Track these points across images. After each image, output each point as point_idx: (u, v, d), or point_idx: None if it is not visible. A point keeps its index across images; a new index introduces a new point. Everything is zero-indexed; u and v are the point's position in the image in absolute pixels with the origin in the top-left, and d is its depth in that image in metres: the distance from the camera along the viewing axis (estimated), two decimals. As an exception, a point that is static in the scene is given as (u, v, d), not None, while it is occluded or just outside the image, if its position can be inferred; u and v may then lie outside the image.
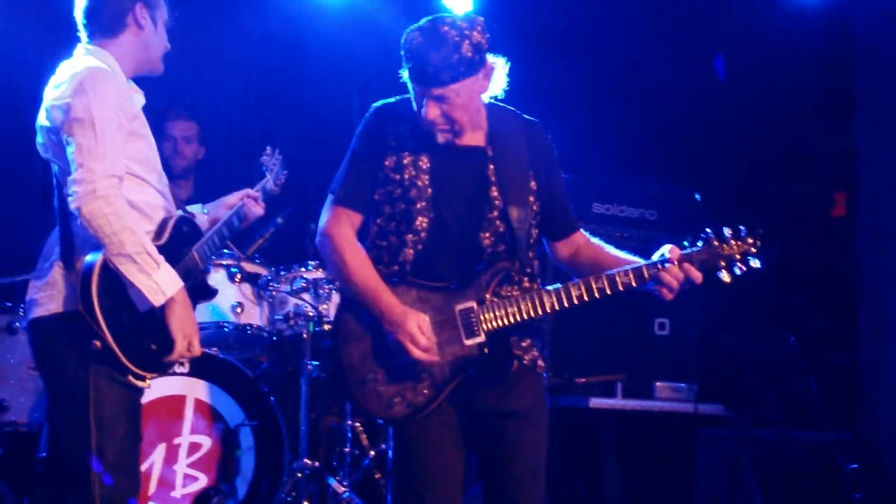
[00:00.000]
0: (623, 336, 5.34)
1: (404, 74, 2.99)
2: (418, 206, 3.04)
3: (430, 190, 3.05)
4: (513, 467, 3.05)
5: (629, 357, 5.33)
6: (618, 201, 5.45)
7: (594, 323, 5.28)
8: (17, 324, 4.67)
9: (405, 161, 3.07)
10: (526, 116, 3.21)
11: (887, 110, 5.80)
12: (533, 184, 3.12)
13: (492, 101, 3.13)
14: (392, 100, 3.17)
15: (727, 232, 3.01)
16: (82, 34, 3.19)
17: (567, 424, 5.25)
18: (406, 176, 3.05)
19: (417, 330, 2.94)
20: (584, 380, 5.22)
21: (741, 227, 3.02)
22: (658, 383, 5.32)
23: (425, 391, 2.99)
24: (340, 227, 3.09)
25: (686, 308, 5.44)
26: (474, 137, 3.09)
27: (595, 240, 3.26)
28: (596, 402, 5.19)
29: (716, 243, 3.01)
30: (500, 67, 3.04)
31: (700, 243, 3.02)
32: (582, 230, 3.28)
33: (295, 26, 6.36)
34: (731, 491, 5.08)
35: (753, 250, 3.01)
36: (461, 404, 3.05)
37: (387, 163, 3.07)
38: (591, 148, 5.71)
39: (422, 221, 3.04)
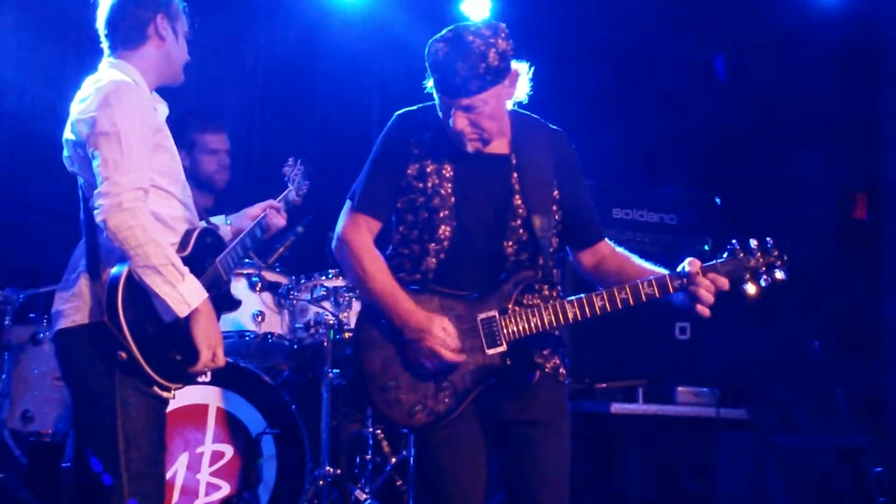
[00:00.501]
0: (644, 341, 5.33)
1: (429, 84, 2.99)
2: (441, 214, 3.04)
3: (453, 198, 3.05)
4: (536, 475, 3.05)
5: (650, 362, 5.32)
6: (637, 206, 5.44)
7: (615, 328, 5.25)
8: (42, 335, 4.70)
9: (428, 169, 3.07)
10: (551, 126, 3.21)
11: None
12: (556, 192, 3.11)
13: (516, 109, 3.14)
14: (414, 108, 3.17)
15: (753, 244, 3.01)
16: (104, 46, 3.21)
17: (588, 430, 5.23)
18: (429, 184, 3.05)
19: (443, 333, 2.94)
20: (605, 385, 5.22)
21: (767, 240, 3.02)
22: (680, 388, 5.30)
23: (447, 399, 2.99)
24: (358, 233, 3.09)
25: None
26: (498, 145, 3.09)
27: (620, 249, 3.25)
28: (617, 407, 5.18)
29: (741, 255, 3.00)
30: (524, 73, 3.04)
31: (725, 254, 3.02)
32: (607, 240, 3.26)
33: (313, 35, 6.39)
34: (755, 496, 5.06)
35: (779, 263, 3.00)
36: (483, 412, 3.05)
37: (409, 171, 3.07)
38: (610, 154, 5.70)
39: (444, 230, 3.04)
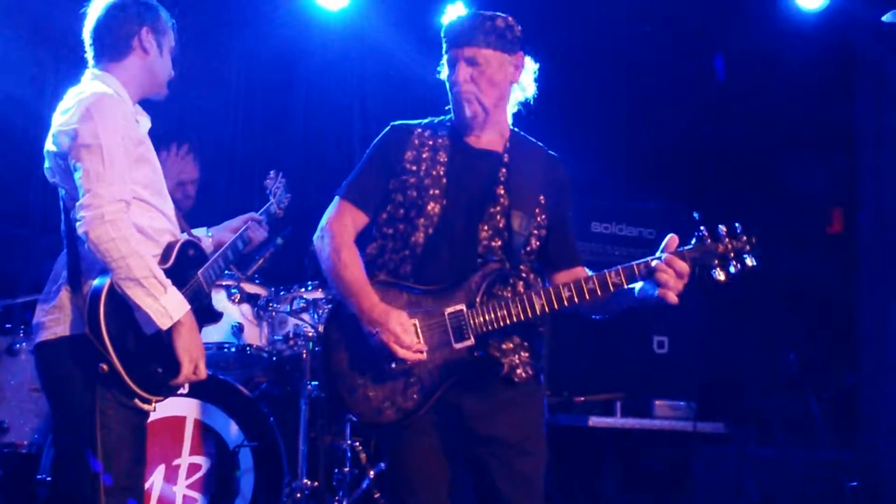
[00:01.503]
0: (622, 354, 5.36)
1: (442, 70, 3.14)
2: (432, 192, 3.09)
3: (444, 179, 3.10)
4: (503, 498, 3.03)
5: (628, 375, 5.35)
6: (616, 220, 5.49)
7: (593, 341, 5.30)
8: (18, 345, 4.65)
9: (424, 154, 3.14)
10: (550, 151, 3.28)
11: (888, 127, 5.84)
12: (542, 198, 3.14)
13: (516, 130, 3.23)
14: (411, 121, 3.25)
15: (722, 229, 2.97)
16: (89, 56, 3.21)
17: (566, 443, 5.25)
18: (423, 166, 3.12)
19: (400, 328, 2.94)
20: (583, 398, 5.24)
21: (736, 225, 2.98)
22: (657, 401, 5.33)
23: (415, 395, 2.99)
24: (342, 223, 3.13)
25: (684, 326, 5.46)
26: (493, 143, 3.17)
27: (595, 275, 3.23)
28: (595, 420, 5.20)
29: (709, 241, 2.96)
30: (530, 67, 3.18)
31: (693, 241, 2.97)
32: (585, 268, 3.23)
33: (294, 45, 6.38)
34: (732, 509, 5.09)
35: (748, 248, 2.95)
36: (450, 413, 3.04)
37: (407, 155, 3.14)
38: (590, 168, 5.72)
39: (434, 206, 3.08)
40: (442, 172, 3.11)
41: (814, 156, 6.15)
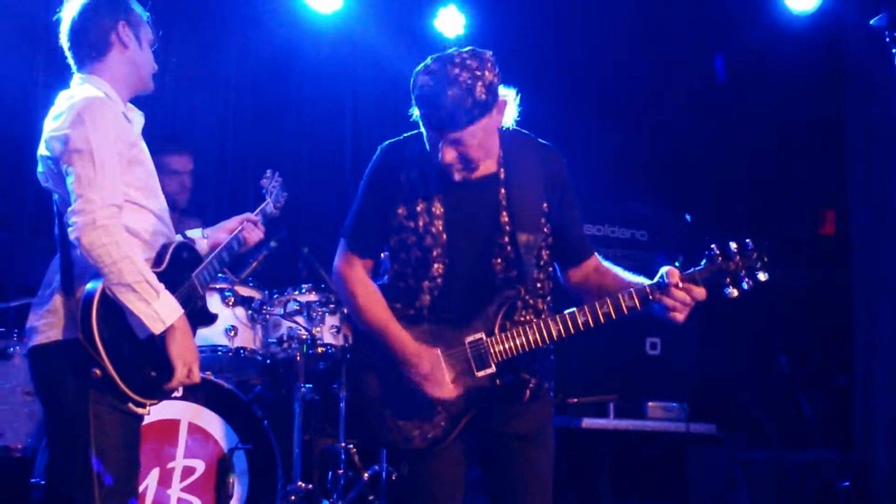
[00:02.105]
0: (615, 356, 5.36)
1: (415, 113, 2.97)
2: (434, 253, 3.05)
3: (444, 235, 3.06)
4: (524, 487, 3.08)
5: (621, 377, 5.35)
6: (609, 222, 5.49)
7: (586, 343, 5.25)
8: (12, 349, 4.65)
9: (418, 209, 3.07)
10: (541, 141, 3.21)
11: (878, 128, 5.86)
12: (545, 205, 3.11)
13: (504, 128, 3.12)
14: (399, 139, 3.16)
15: (733, 247, 2.97)
16: (71, 62, 3.21)
17: (560, 444, 5.20)
18: (420, 223, 3.06)
19: (430, 368, 2.98)
20: (576, 400, 5.24)
21: (747, 241, 2.98)
22: (650, 403, 5.34)
23: (442, 423, 3.02)
24: (353, 268, 3.14)
25: (677, 328, 5.41)
26: (486, 166, 3.08)
27: (606, 263, 3.23)
28: (588, 422, 5.20)
29: (720, 260, 2.97)
30: (511, 100, 3.03)
31: (704, 261, 2.99)
32: (596, 255, 3.24)
33: (286, 48, 6.38)
34: (724, 510, 5.11)
35: (759, 264, 2.95)
36: (472, 430, 3.08)
37: (399, 210, 3.07)
38: (582, 170, 5.72)
39: (438, 268, 3.06)
40: (441, 227, 3.05)
41: (805, 156, 6.17)
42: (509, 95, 3.02)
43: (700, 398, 5.42)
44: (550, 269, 3.17)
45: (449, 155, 2.94)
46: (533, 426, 3.10)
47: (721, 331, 5.77)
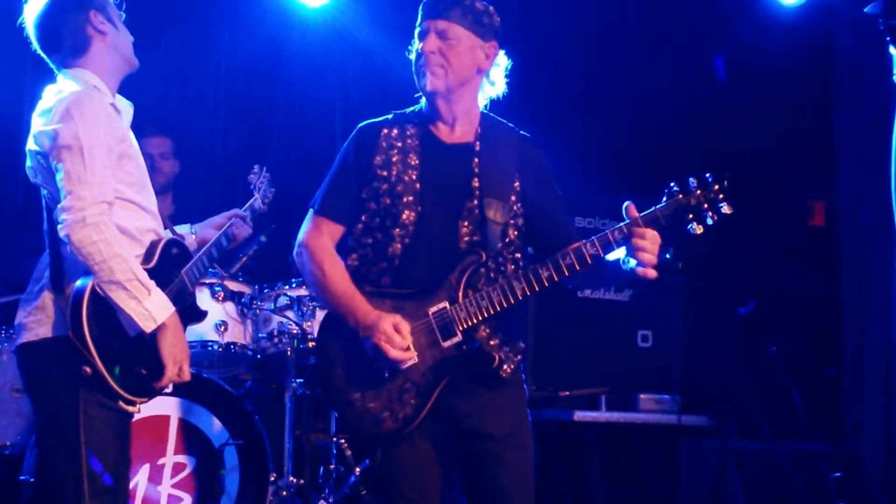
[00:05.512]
0: (606, 348, 5.36)
1: (413, 40, 3.10)
2: (405, 199, 3.05)
3: (418, 184, 3.06)
4: (496, 490, 3.03)
5: (613, 369, 5.35)
6: (599, 215, 5.48)
7: (577, 336, 5.30)
8: (0, 346, 4.62)
9: (394, 158, 3.09)
10: (521, 131, 3.23)
11: (867, 121, 5.87)
12: (517, 184, 3.11)
13: (486, 111, 3.18)
14: (377, 119, 3.19)
15: (692, 182, 2.91)
16: (52, 63, 3.15)
17: (551, 437, 5.26)
18: (394, 171, 3.07)
19: (392, 329, 2.93)
20: (567, 393, 5.24)
21: (707, 175, 2.92)
22: (642, 395, 5.34)
23: (412, 401, 2.98)
24: (319, 237, 3.10)
25: (668, 320, 5.48)
26: (464, 134, 3.12)
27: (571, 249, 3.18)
28: (580, 414, 5.20)
29: (680, 196, 2.91)
30: (502, 61, 3.13)
31: (664, 199, 2.93)
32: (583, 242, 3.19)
33: (275, 42, 6.35)
34: (717, 502, 5.11)
35: (722, 195, 2.89)
36: (443, 418, 3.03)
37: (376, 160, 3.09)
38: (571, 163, 5.72)
39: (409, 215, 3.04)
40: (415, 177, 3.06)
41: (794, 148, 6.18)
42: (503, 57, 3.13)
43: (692, 390, 5.42)
44: (517, 253, 3.12)
45: (432, 42, 3.04)
46: (507, 425, 3.04)
47: (712, 322, 5.78)
